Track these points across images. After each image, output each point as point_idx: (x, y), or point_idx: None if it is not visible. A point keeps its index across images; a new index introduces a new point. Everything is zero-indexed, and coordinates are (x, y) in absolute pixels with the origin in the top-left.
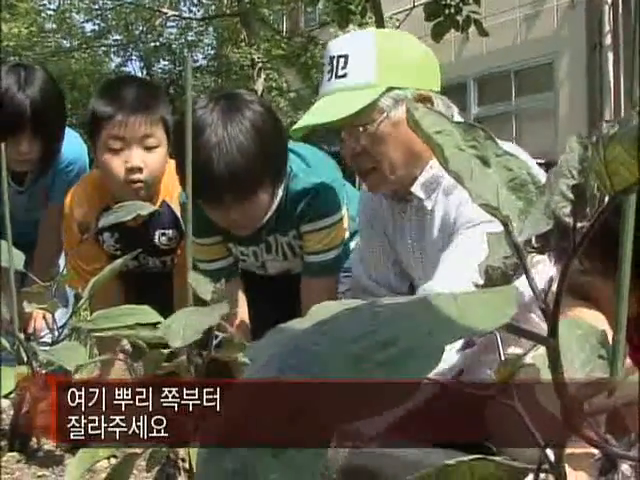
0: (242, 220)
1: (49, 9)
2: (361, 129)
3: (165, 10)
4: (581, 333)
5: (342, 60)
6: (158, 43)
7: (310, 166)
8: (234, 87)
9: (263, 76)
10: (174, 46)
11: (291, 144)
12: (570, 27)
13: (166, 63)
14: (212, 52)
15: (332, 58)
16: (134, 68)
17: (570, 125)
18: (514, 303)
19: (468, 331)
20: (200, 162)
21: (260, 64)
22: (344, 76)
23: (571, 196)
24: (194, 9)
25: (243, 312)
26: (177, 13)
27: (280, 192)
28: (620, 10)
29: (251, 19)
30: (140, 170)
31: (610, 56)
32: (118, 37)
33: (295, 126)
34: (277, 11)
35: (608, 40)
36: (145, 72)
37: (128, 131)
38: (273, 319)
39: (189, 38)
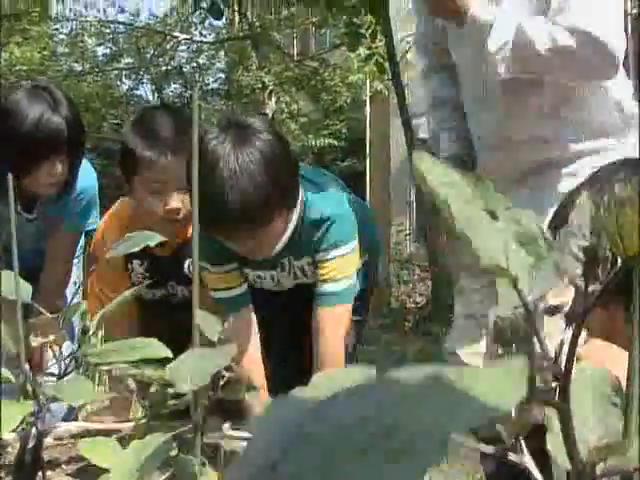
0: (257, 248)
1: (62, 33)
2: None
3: (176, 34)
4: (596, 386)
5: None
6: (169, 67)
7: (323, 191)
8: (245, 110)
9: (274, 99)
10: (185, 70)
11: (303, 171)
12: None
13: (177, 86)
14: (223, 75)
15: None
16: (145, 91)
17: None
18: (524, 380)
19: (474, 418)
20: (213, 195)
21: (271, 87)
22: None
23: (582, 257)
24: (205, 32)
25: (255, 344)
26: (188, 37)
27: (294, 217)
28: None
29: (262, 42)
30: (178, 211)
31: None
32: (129, 61)
33: None
34: (288, 35)
35: None
36: (156, 95)
37: (168, 174)
38: (285, 334)
39: (200, 62)
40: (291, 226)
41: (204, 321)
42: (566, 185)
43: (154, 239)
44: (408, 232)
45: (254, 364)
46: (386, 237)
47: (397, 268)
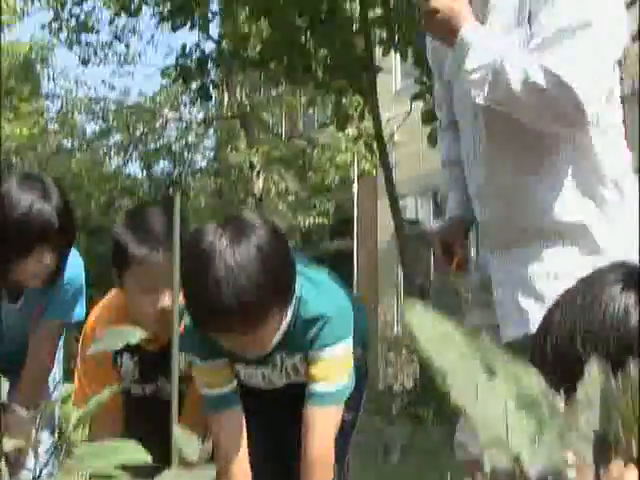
0: (251, 346)
1: (52, 110)
2: None
3: (166, 112)
4: None
5: None
6: (158, 144)
7: (319, 289)
8: (233, 189)
9: (262, 178)
10: (174, 147)
11: (299, 266)
12: None
13: (166, 164)
14: (212, 154)
15: None
16: (134, 168)
17: None
18: None
19: None
20: (209, 292)
21: (259, 167)
22: None
23: (591, 436)
24: (194, 111)
25: (243, 453)
26: (177, 115)
27: (289, 313)
28: None
29: (250, 122)
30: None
31: None
32: (119, 138)
33: None
34: (277, 114)
35: None
36: (145, 173)
37: (161, 272)
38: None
39: (189, 140)
40: (285, 323)
41: (183, 439)
42: (560, 251)
43: (136, 336)
44: (395, 313)
45: (242, 476)
46: (373, 318)
47: (384, 349)
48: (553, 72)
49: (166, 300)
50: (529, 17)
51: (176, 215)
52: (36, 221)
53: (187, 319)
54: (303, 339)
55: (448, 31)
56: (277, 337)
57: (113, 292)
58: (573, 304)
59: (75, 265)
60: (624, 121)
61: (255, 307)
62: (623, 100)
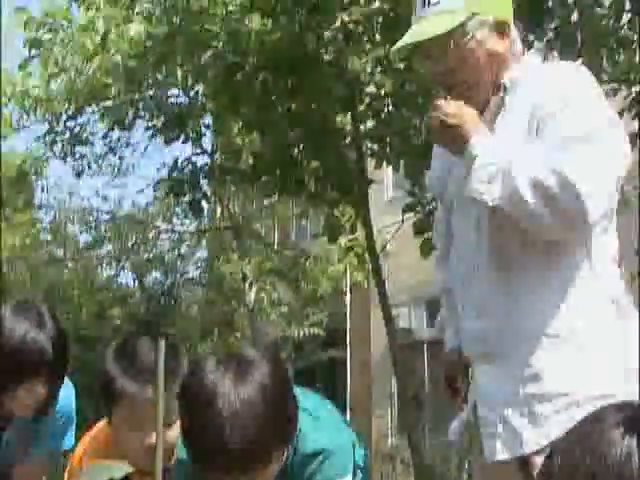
0: None
1: (45, 221)
2: (452, 47)
3: (158, 224)
4: None
5: None
6: (151, 255)
7: (319, 422)
8: (225, 300)
9: (254, 290)
10: (166, 258)
11: (298, 398)
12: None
13: (158, 274)
14: (204, 264)
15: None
16: (126, 279)
17: None
18: None
19: None
20: (211, 432)
21: (251, 278)
22: (437, 3)
23: None
24: (187, 222)
25: None
26: (170, 227)
27: (289, 449)
28: None
29: (243, 233)
30: None
31: None
32: (111, 248)
33: (395, 47)
34: (269, 224)
35: None
36: (137, 283)
37: (149, 409)
38: None
39: (182, 251)
40: (283, 459)
41: None
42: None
43: (122, 471)
44: (389, 425)
45: None
46: (367, 430)
47: (379, 462)
48: (559, 172)
49: (154, 438)
50: (537, 130)
51: (160, 360)
52: (30, 351)
53: (179, 452)
54: (302, 474)
55: (457, 140)
56: (275, 473)
57: (102, 423)
58: (573, 449)
59: (66, 394)
60: None
61: (259, 450)
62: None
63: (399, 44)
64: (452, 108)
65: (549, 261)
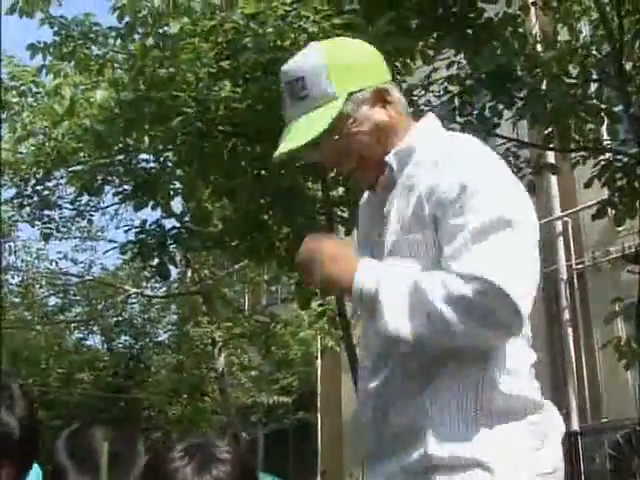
0: None
1: (11, 284)
2: (336, 137)
3: (127, 287)
4: None
5: (299, 83)
6: (120, 318)
7: None
8: (195, 364)
9: (224, 354)
10: (136, 321)
11: None
12: None
13: (127, 338)
14: (174, 328)
15: (289, 83)
16: (95, 341)
17: None
18: None
19: None
20: None
21: (221, 342)
22: (305, 97)
23: None
24: (156, 286)
25: None
26: (139, 290)
27: None
28: (576, 285)
29: (213, 297)
30: None
31: (569, 331)
32: (80, 311)
33: (276, 154)
34: (239, 289)
35: (566, 314)
36: (105, 347)
37: None
38: None
39: (151, 315)
40: None
41: None
42: None
43: None
44: None
45: None
46: None
47: None
48: (474, 276)
49: None
50: (434, 220)
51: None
52: None
53: None
54: None
55: (343, 282)
56: None
57: None
58: None
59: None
60: None
61: None
62: None
63: (278, 154)
64: (311, 248)
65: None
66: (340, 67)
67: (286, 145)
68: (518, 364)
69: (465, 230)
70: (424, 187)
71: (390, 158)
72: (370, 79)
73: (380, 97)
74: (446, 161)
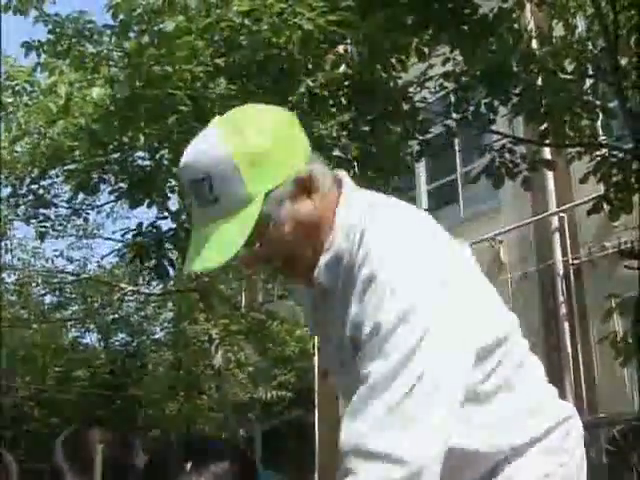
0: None
1: (7, 282)
2: (257, 245)
3: (123, 285)
4: None
5: (205, 183)
6: (116, 316)
7: None
8: (192, 361)
9: (221, 351)
10: (132, 319)
11: None
12: (525, 298)
13: (124, 336)
14: (170, 325)
15: (193, 182)
16: (91, 339)
17: None
18: None
19: None
20: None
21: (218, 339)
22: (215, 201)
23: None
24: (153, 284)
25: None
26: (135, 288)
27: None
28: (572, 280)
29: (209, 295)
30: None
31: (566, 326)
32: (76, 309)
33: (187, 268)
34: (235, 286)
35: (563, 310)
36: (102, 344)
37: None
38: None
39: (148, 312)
40: None
41: None
42: None
43: None
44: None
45: None
46: None
47: None
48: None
49: None
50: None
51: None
52: None
53: None
54: None
55: None
56: None
57: None
58: None
59: None
60: None
61: None
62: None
63: (191, 269)
64: None
65: None
66: (251, 161)
67: (202, 262)
68: (538, 395)
69: (370, 379)
70: (349, 309)
71: (319, 272)
72: (289, 167)
73: (303, 187)
74: (366, 287)
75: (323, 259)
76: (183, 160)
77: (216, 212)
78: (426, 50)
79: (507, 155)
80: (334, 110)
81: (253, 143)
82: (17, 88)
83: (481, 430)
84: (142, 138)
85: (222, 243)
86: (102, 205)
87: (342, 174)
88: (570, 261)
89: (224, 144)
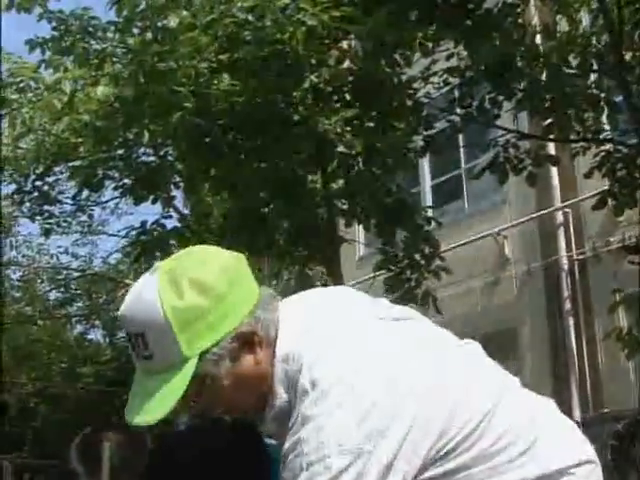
0: None
1: (12, 279)
2: (194, 400)
3: (128, 281)
4: None
5: (140, 340)
6: None
7: None
8: None
9: None
10: None
11: None
12: (530, 294)
13: None
14: None
15: (130, 334)
16: (96, 335)
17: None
18: None
19: None
20: None
21: None
22: (150, 358)
23: None
24: None
25: None
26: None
27: None
28: (577, 275)
29: None
30: None
31: (571, 321)
32: (81, 305)
33: (129, 419)
34: None
35: (567, 305)
36: (107, 340)
37: None
38: None
39: None
40: None
41: None
42: None
43: None
44: None
45: None
46: None
47: None
48: None
49: None
50: None
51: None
52: None
53: None
54: None
55: None
56: None
57: None
58: None
59: None
60: None
61: None
62: None
63: (132, 422)
64: None
65: None
66: (186, 320)
67: (142, 416)
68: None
69: None
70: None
71: (268, 427)
72: (228, 324)
73: (243, 343)
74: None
75: (269, 414)
76: (121, 309)
77: (152, 369)
78: (430, 45)
79: (511, 150)
80: (338, 106)
81: (190, 302)
82: (22, 85)
83: None
84: (146, 134)
85: (157, 399)
86: (107, 201)
87: (280, 302)
88: (575, 256)
89: (159, 302)
